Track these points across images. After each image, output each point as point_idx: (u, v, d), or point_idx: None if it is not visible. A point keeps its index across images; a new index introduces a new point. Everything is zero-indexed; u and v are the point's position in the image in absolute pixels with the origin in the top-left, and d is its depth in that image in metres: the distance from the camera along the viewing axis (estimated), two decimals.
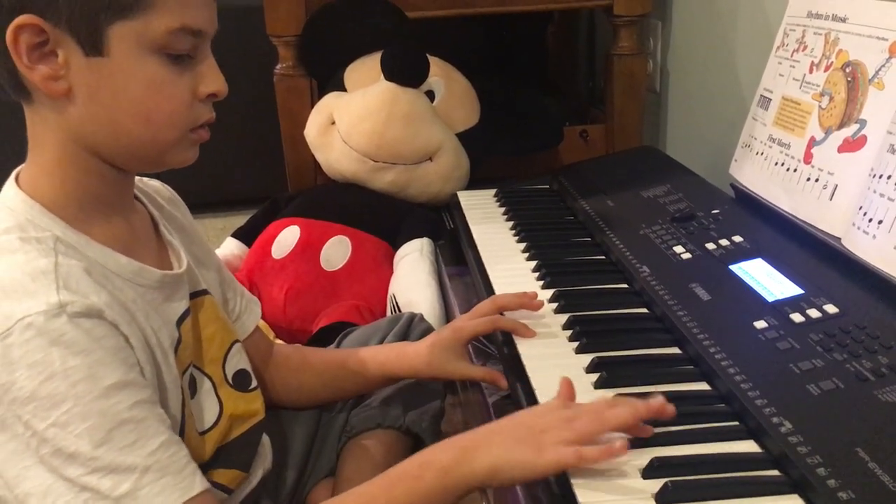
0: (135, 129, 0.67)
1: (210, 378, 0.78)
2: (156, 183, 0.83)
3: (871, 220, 0.86)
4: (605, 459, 0.65)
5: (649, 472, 0.66)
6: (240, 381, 0.82)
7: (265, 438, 0.88)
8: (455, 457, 0.67)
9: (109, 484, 0.61)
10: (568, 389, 0.74)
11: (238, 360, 0.82)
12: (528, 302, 0.94)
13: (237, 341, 0.83)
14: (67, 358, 0.60)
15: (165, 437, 0.64)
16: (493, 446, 0.67)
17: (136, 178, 0.77)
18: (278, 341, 1.32)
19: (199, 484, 0.65)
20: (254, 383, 0.84)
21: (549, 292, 1.00)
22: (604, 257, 1.11)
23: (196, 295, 0.78)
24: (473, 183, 1.54)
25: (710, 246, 1.01)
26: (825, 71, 1.02)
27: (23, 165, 0.70)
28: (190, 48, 0.67)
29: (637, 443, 0.70)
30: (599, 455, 0.65)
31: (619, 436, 0.68)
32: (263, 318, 1.35)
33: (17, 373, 0.60)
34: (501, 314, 0.95)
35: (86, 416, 0.60)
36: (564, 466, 0.66)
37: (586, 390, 0.80)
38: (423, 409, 1.01)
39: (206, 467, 0.76)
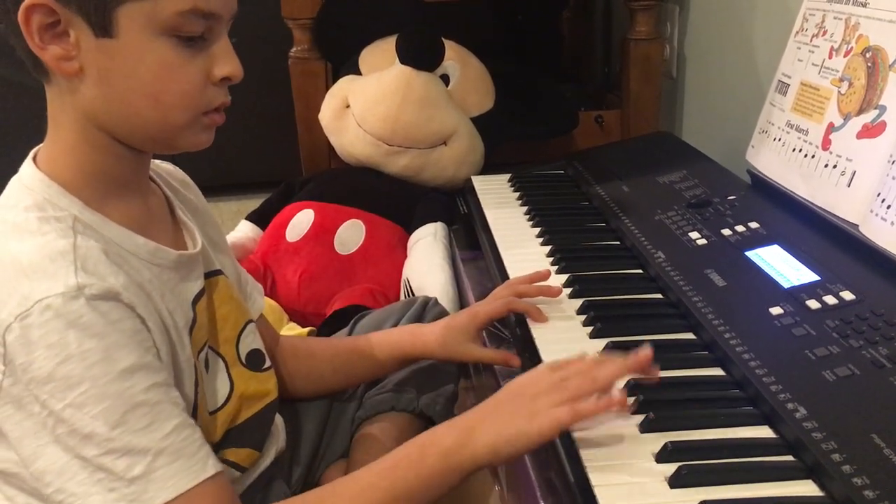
0: (145, 111, 0.67)
1: (223, 358, 0.79)
2: (168, 165, 0.84)
3: (889, 207, 0.86)
4: (601, 411, 0.67)
5: (663, 456, 0.66)
6: (253, 361, 0.82)
7: (278, 419, 0.88)
8: (456, 439, 0.68)
9: (123, 465, 0.61)
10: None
11: (252, 340, 0.83)
12: (546, 289, 0.95)
13: (251, 321, 0.84)
14: (83, 340, 0.61)
15: (179, 420, 0.64)
16: (490, 425, 0.68)
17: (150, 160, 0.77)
18: (292, 324, 1.33)
19: (211, 467, 0.65)
20: (267, 363, 0.84)
21: (564, 277, 1.00)
22: (618, 242, 1.11)
23: (210, 275, 0.79)
24: (488, 168, 1.54)
25: (726, 232, 1.00)
26: (845, 56, 1.01)
27: (41, 145, 0.70)
28: (203, 30, 0.66)
29: (651, 426, 0.70)
30: (596, 408, 0.67)
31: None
32: (278, 301, 1.36)
33: (35, 353, 0.60)
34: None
35: (101, 399, 0.61)
36: (561, 426, 0.67)
37: None
38: (437, 393, 1.01)
39: (218, 446, 0.77)
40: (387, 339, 0.97)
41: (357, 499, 0.68)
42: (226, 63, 0.68)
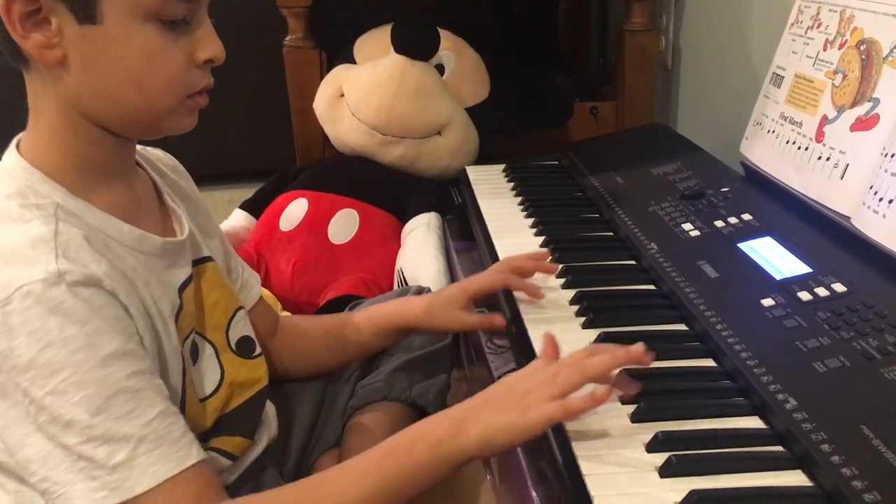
0: (130, 97, 0.66)
1: (212, 344, 0.78)
2: (158, 152, 0.83)
3: (881, 200, 0.86)
4: (589, 408, 0.67)
5: (653, 445, 0.66)
6: (243, 348, 0.82)
7: (270, 407, 0.88)
8: (446, 430, 0.68)
9: (105, 453, 0.61)
10: (551, 347, 0.75)
11: (242, 327, 0.82)
12: (542, 266, 0.96)
13: (241, 308, 0.84)
14: (65, 327, 0.60)
15: (162, 408, 0.64)
16: (482, 416, 0.68)
17: (139, 146, 0.76)
18: (285, 313, 1.33)
19: (195, 455, 0.65)
20: (257, 350, 0.84)
21: (557, 267, 1.00)
22: (612, 234, 1.11)
23: (199, 262, 0.78)
24: (483, 158, 1.54)
25: (719, 224, 1.01)
26: (839, 49, 1.01)
27: (23, 132, 0.70)
28: (185, 14, 0.66)
29: (642, 415, 0.70)
30: (583, 404, 0.67)
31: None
32: (271, 290, 1.36)
33: (17, 341, 0.60)
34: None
35: (83, 385, 0.61)
36: (551, 421, 0.67)
37: None
38: (429, 383, 1.01)
39: (209, 434, 0.77)
40: (377, 312, 0.99)
41: (349, 488, 0.67)
42: (209, 45, 0.68)
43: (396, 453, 0.68)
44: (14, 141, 0.70)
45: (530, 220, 1.18)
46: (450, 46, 1.52)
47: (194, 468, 0.64)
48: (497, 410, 0.68)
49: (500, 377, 0.90)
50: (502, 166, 1.43)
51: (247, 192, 1.57)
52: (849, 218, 0.91)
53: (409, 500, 0.68)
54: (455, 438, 0.67)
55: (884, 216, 0.85)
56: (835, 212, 0.93)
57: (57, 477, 0.61)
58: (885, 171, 0.87)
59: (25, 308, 0.60)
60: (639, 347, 0.71)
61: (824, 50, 1.04)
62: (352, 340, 0.98)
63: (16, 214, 0.64)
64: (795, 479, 0.63)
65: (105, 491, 0.61)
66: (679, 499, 0.61)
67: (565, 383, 0.68)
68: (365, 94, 1.46)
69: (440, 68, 1.50)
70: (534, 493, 0.72)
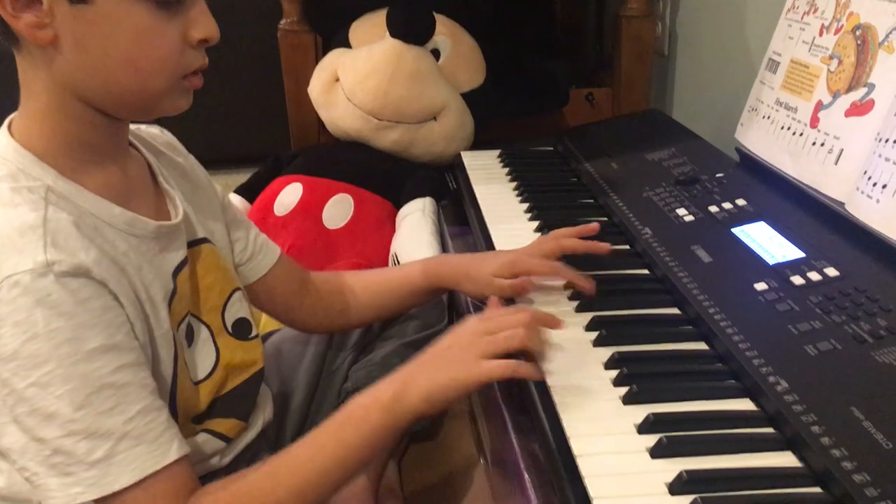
0: (124, 78, 0.66)
1: (208, 327, 0.78)
2: (153, 129, 0.82)
3: (875, 185, 0.86)
4: (507, 376, 0.71)
5: (645, 427, 0.67)
6: (239, 330, 0.82)
7: (265, 389, 0.88)
8: (394, 393, 0.70)
9: (85, 448, 0.61)
10: (494, 307, 0.81)
11: (238, 309, 0.82)
12: (593, 245, 0.94)
13: (238, 289, 0.83)
14: (51, 319, 0.60)
15: (146, 403, 0.64)
16: (424, 375, 0.71)
17: (132, 125, 0.76)
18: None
19: (174, 452, 0.65)
20: (254, 332, 0.84)
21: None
22: (606, 219, 1.11)
23: (194, 244, 0.78)
24: (478, 144, 1.53)
25: (713, 209, 1.01)
26: (835, 34, 1.00)
27: (14, 114, 0.69)
28: None
29: (634, 397, 0.70)
30: (504, 370, 0.71)
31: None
32: None
33: (2, 330, 0.60)
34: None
35: (67, 379, 0.60)
36: (491, 378, 0.71)
37: (586, 348, 0.80)
38: None
39: (203, 417, 0.77)
40: (417, 268, 0.98)
41: (309, 463, 0.69)
42: (203, 25, 0.67)
43: (351, 421, 0.70)
44: (5, 122, 0.69)
45: (525, 206, 1.18)
46: (446, 31, 1.51)
47: (172, 466, 0.65)
48: (438, 369, 0.72)
49: None
50: (497, 152, 1.43)
51: (241, 178, 1.56)
52: (843, 203, 0.91)
53: (364, 466, 0.72)
54: (403, 399, 0.70)
55: (878, 201, 0.85)
56: (829, 197, 0.94)
57: (34, 468, 0.62)
58: (880, 156, 0.87)
59: (13, 298, 0.60)
60: (553, 318, 0.78)
61: (820, 35, 1.03)
62: (390, 296, 0.98)
63: (6, 198, 0.64)
64: (786, 460, 0.64)
65: (81, 486, 0.61)
66: (670, 479, 0.61)
67: (487, 344, 0.72)
68: (360, 79, 1.45)
69: (436, 53, 1.50)
70: (526, 476, 0.72)
